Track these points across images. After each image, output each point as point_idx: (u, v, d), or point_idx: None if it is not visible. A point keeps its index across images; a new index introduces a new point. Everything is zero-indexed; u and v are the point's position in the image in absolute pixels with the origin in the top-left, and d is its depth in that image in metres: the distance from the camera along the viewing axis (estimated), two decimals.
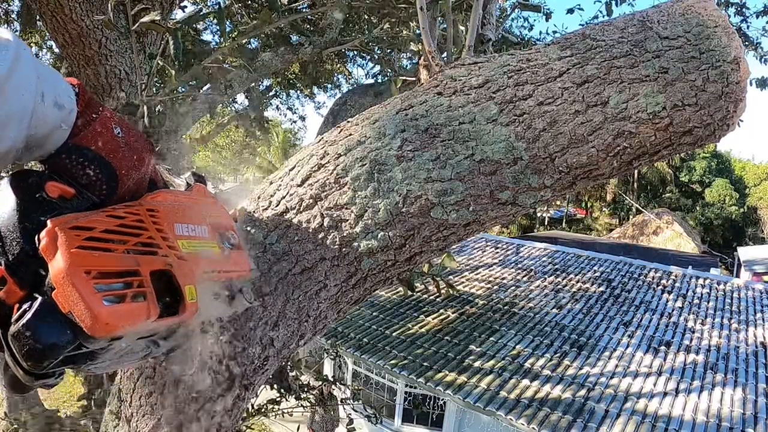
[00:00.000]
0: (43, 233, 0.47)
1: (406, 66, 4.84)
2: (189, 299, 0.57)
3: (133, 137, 0.61)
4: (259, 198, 1.03)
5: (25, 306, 0.47)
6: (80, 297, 0.46)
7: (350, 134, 0.98)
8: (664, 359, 6.43)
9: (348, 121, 1.03)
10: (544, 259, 10.31)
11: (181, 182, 0.75)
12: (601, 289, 8.72)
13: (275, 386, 3.65)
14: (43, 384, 0.51)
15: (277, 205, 0.99)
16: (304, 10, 3.57)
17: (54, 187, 0.51)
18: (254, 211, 1.01)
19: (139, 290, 0.52)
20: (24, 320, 0.46)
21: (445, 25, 1.72)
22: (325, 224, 0.94)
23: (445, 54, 1.69)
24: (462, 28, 1.90)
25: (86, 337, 0.47)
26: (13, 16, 5.87)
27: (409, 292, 7.28)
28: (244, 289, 0.78)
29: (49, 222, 0.48)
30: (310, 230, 0.94)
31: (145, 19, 1.77)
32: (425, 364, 6.43)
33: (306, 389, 4.06)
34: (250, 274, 0.78)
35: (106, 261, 0.50)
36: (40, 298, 0.47)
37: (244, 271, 0.75)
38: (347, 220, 0.93)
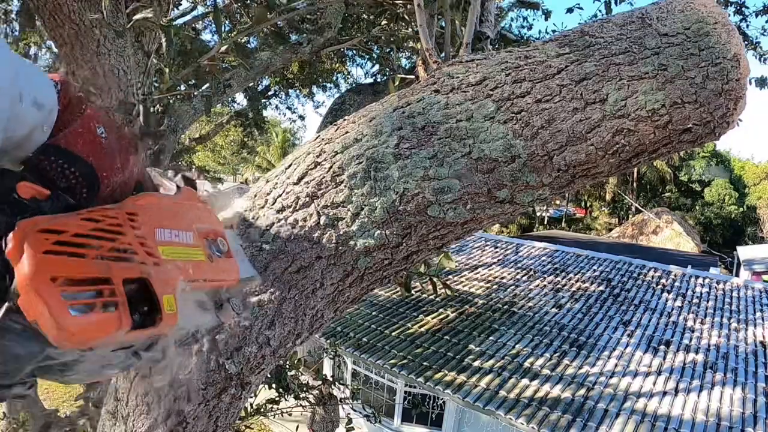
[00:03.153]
0: (9, 236, 0.45)
1: (405, 65, 4.83)
2: (167, 309, 0.54)
3: (117, 138, 0.58)
4: (255, 196, 1.02)
5: None
6: (45, 306, 0.43)
7: (347, 132, 0.97)
8: (664, 358, 6.42)
9: (345, 119, 1.02)
10: (543, 258, 10.30)
11: (172, 185, 0.71)
12: (601, 288, 8.71)
13: (274, 386, 3.65)
14: (12, 395, 0.48)
15: (273, 204, 0.98)
16: (301, 7, 3.56)
17: (26, 188, 0.48)
18: (250, 209, 1.00)
19: (110, 299, 0.49)
20: None
21: (443, 23, 1.71)
22: (321, 222, 0.93)
23: (443, 53, 1.68)
24: (460, 25, 1.89)
25: (53, 348, 0.45)
26: (13, 16, 5.86)
27: (407, 293, 7.27)
28: (232, 299, 0.75)
29: (17, 224, 0.45)
30: (307, 228, 0.93)
31: (138, 16, 1.76)
32: (425, 363, 6.42)
33: (305, 389, 4.06)
34: (239, 282, 0.75)
35: (75, 267, 0.47)
36: (5, 306, 0.44)
37: (233, 279, 0.72)
38: (344, 219, 0.92)
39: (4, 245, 0.45)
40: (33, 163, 0.51)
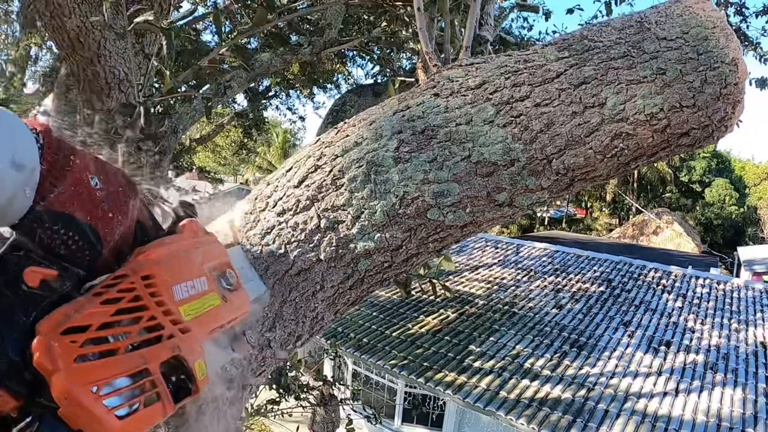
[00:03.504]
0: (34, 343, 0.41)
1: (406, 66, 4.84)
2: (200, 376, 0.54)
3: (114, 183, 0.52)
4: (256, 199, 1.03)
5: (27, 420, 0.42)
6: (91, 416, 0.42)
7: (347, 135, 0.98)
8: (664, 359, 6.42)
9: (345, 122, 1.03)
10: (544, 259, 10.30)
11: (169, 210, 0.67)
12: (601, 289, 8.71)
13: (274, 386, 3.65)
14: None
15: (274, 206, 0.98)
16: (302, 9, 3.57)
17: (33, 274, 0.43)
18: (251, 212, 1.00)
19: (151, 392, 0.48)
20: None
21: (443, 25, 1.72)
22: (321, 225, 0.93)
23: (443, 56, 1.68)
24: (460, 27, 1.90)
25: None
26: (13, 16, 5.87)
27: (407, 295, 7.28)
28: (247, 332, 0.74)
29: (38, 329, 0.42)
30: (307, 231, 0.94)
31: (139, 19, 1.77)
32: (425, 364, 6.43)
33: (306, 389, 4.06)
34: (250, 314, 0.73)
35: (111, 368, 0.45)
36: (44, 417, 0.42)
37: (245, 312, 0.71)
38: (344, 222, 0.92)
39: (28, 355, 0.41)
40: (26, 232, 0.44)
